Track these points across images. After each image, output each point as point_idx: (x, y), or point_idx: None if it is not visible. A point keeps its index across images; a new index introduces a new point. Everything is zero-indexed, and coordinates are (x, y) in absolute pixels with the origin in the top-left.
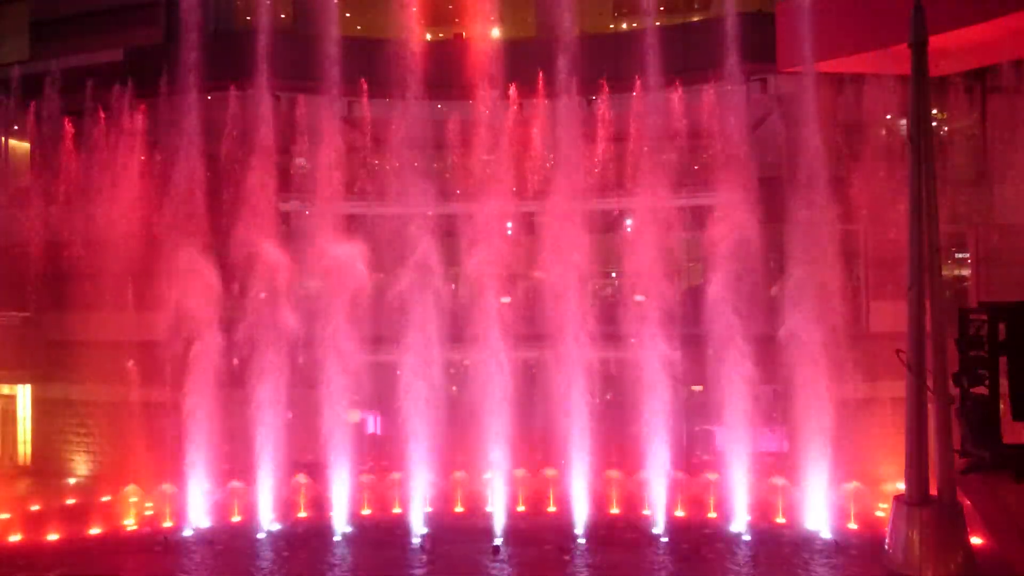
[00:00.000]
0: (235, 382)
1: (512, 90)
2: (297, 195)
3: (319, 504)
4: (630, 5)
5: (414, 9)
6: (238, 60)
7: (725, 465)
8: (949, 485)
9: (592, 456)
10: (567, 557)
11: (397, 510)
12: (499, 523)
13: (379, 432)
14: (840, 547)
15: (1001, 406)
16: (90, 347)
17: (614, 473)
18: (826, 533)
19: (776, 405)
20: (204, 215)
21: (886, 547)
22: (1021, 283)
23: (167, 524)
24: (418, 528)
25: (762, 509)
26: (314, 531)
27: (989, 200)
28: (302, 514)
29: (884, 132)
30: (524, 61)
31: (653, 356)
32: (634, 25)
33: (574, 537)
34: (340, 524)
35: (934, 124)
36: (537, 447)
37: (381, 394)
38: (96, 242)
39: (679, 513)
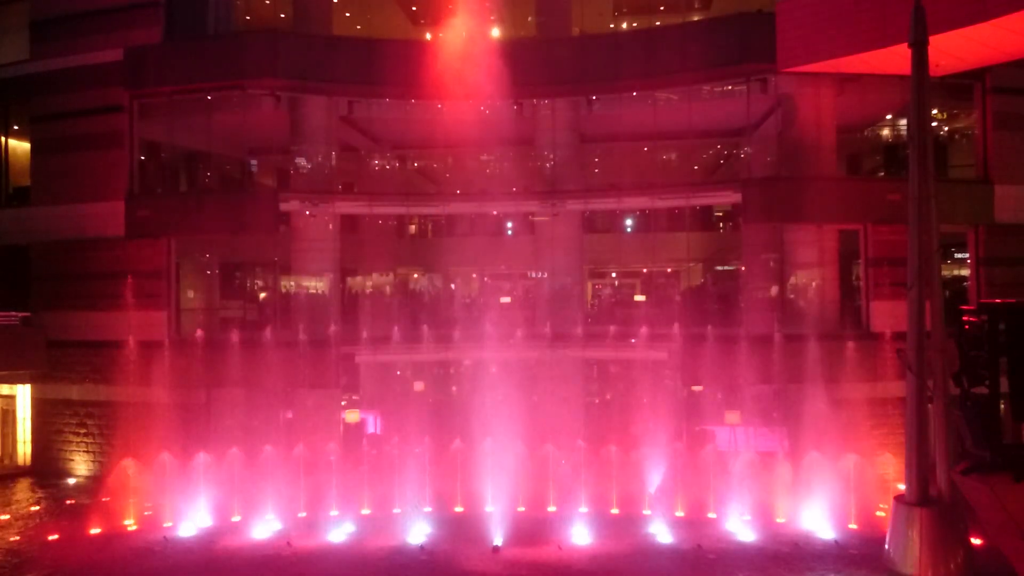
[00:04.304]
0: (235, 381)
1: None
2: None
3: (319, 503)
4: (630, 5)
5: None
6: (238, 60)
7: (724, 465)
8: (949, 485)
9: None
10: (567, 558)
11: (397, 510)
12: (499, 523)
13: (379, 432)
14: (840, 547)
15: (1002, 406)
16: (90, 347)
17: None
18: (826, 533)
19: (775, 405)
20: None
21: (886, 547)
22: (1021, 283)
23: (167, 524)
24: (418, 528)
25: (762, 509)
26: (314, 530)
27: (989, 200)
28: (302, 514)
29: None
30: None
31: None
32: (634, 25)
33: (573, 537)
34: (340, 523)
35: (934, 124)
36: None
37: (382, 393)
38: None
39: (679, 513)
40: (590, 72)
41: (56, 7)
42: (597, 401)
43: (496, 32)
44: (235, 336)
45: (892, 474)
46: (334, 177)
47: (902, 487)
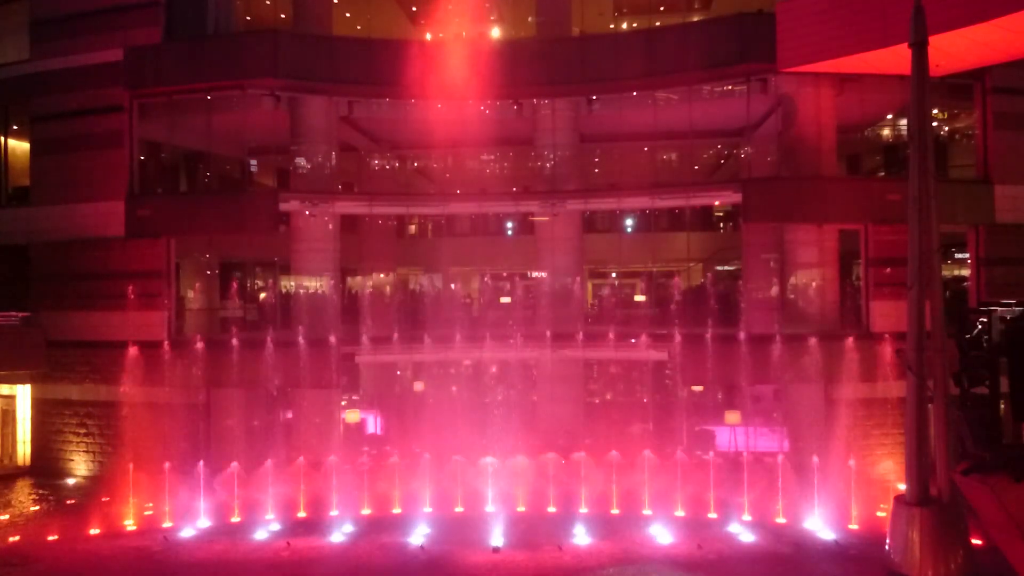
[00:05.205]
0: (235, 381)
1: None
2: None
3: (319, 503)
4: (630, 5)
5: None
6: (238, 60)
7: (724, 465)
8: (949, 485)
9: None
10: (567, 558)
11: (397, 510)
12: (499, 523)
13: (379, 432)
14: (841, 547)
15: (1002, 406)
16: (90, 347)
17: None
18: (827, 533)
19: (775, 405)
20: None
21: (886, 547)
22: (1021, 283)
23: (167, 524)
24: (418, 528)
25: (762, 509)
26: (314, 531)
27: (989, 200)
28: (301, 514)
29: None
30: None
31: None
32: (634, 25)
33: (574, 537)
34: (340, 524)
35: (934, 124)
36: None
37: (382, 393)
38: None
39: (679, 513)
40: (590, 72)
41: (56, 7)
42: (597, 401)
43: (496, 32)
44: (235, 336)
45: (892, 474)
46: (334, 177)
47: (902, 487)
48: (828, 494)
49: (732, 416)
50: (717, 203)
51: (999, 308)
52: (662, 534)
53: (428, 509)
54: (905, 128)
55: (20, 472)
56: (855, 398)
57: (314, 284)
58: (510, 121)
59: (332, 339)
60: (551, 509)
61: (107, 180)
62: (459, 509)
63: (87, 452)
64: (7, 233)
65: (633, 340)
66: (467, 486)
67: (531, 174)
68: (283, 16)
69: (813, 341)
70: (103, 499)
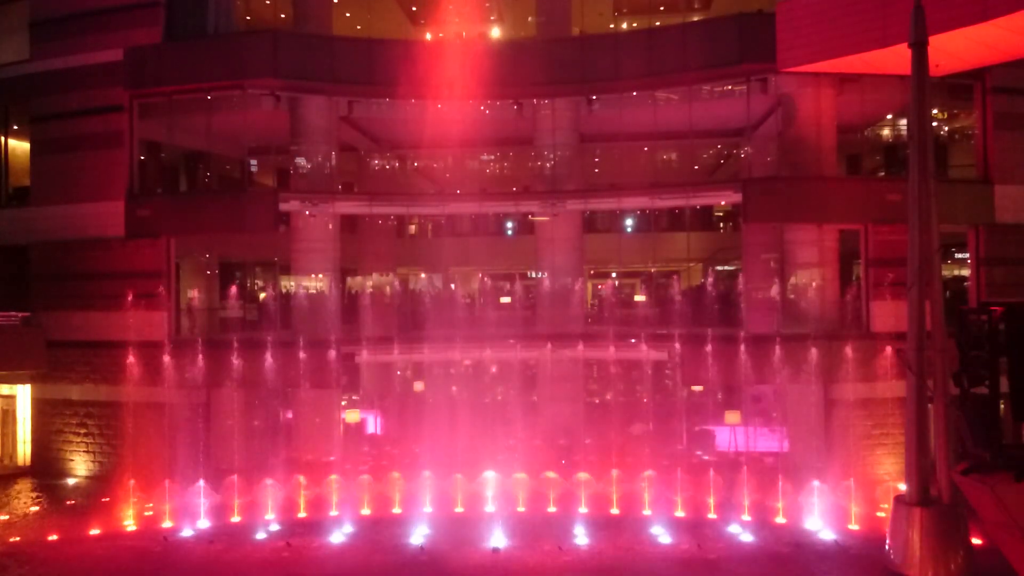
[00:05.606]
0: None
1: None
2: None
3: (319, 504)
4: (630, 5)
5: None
6: (238, 60)
7: (725, 465)
8: (949, 485)
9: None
10: (567, 559)
11: (397, 510)
12: (499, 523)
13: (379, 432)
14: (841, 547)
15: (1001, 406)
16: (90, 347)
17: (615, 474)
18: (827, 533)
19: (775, 405)
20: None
21: (886, 547)
22: (1021, 283)
23: (167, 524)
24: (418, 529)
25: (762, 509)
26: (314, 531)
27: (989, 200)
28: (302, 514)
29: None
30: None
31: None
32: (634, 25)
33: (574, 538)
34: (340, 524)
35: (934, 124)
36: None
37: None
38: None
39: (679, 514)
40: (590, 72)
41: (56, 7)
42: (597, 401)
43: (496, 32)
44: (235, 336)
45: (892, 474)
46: (334, 177)
47: (902, 487)
48: (828, 494)
49: (732, 416)
50: (718, 203)
51: (999, 308)
52: (662, 534)
53: (428, 509)
54: (905, 128)
55: (20, 472)
56: (855, 398)
57: (314, 284)
58: (510, 121)
59: (332, 339)
60: (551, 509)
61: (107, 180)
62: (459, 509)
63: (87, 452)
64: (7, 233)
65: (633, 340)
66: (467, 486)
67: (531, 174)
68: (283, 16)
69: (813, 341)
70: (103, 499)
